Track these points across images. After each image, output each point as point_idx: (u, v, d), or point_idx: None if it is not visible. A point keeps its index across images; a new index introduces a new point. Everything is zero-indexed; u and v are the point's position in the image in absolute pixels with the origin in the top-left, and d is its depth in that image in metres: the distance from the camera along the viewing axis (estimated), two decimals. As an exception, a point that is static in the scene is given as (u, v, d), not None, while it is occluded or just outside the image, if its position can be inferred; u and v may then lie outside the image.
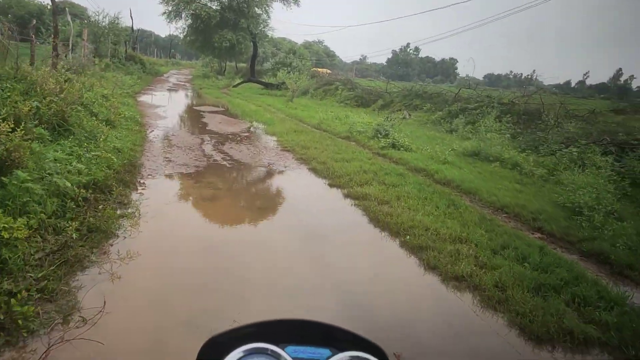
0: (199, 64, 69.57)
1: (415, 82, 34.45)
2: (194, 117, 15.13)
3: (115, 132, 8.61)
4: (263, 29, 41.72)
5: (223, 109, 17.93)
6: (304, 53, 37.43)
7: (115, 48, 29.82)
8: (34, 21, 13.29)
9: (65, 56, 18.51)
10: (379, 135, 12.28)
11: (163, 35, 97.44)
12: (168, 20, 37.21)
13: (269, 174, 8.23)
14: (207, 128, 12.71)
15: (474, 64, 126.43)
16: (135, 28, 71.94)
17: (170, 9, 36.89)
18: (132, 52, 36.62)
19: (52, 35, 14.78)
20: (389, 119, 14.39)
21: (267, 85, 30.87)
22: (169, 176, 7.09)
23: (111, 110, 10.26)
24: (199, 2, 36.73)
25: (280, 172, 8.36)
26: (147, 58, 42.15)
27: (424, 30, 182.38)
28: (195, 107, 17.92)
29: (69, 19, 17.83)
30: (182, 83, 32.40)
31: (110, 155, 6.23)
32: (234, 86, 30.84)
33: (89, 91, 10.51)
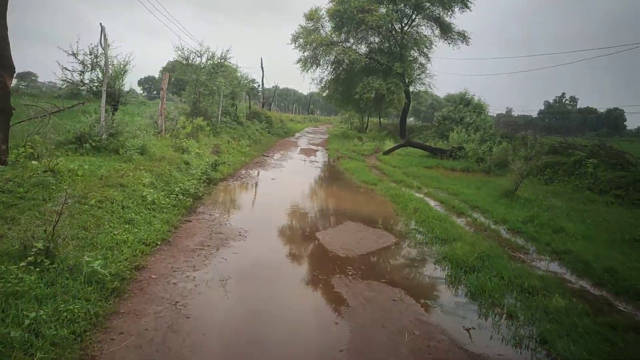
0: (337, 119, 62.61)
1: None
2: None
3: None
4: (419, 76, 31.20)
5: (403, 248, 6.59)
6: (482, 106, 25.25)
7: (232, 103, 21.96)
8: None
9: (109, 117, 9.86)
10: None
11: (305, 93, 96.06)
12: (303, 68, 29.22)
13: None
14: None
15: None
16: (279, 87, 68.95)
17: (305, 54, 28.89)
18: (259, 108, 29.18)
19: None
20: None
21: (434, 151, 19.43)
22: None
23: None
24: (342, 45, 27.92)
25: None
26: (278, 114, 34.87)
27: (580, 79, 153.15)
28: (320, 239, 6.80)
29: (102, 41, 9.10)
30: (314, 147, 23.01)
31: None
32: (385, 153, 20.16)
33: None
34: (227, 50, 17.24)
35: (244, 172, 12.45)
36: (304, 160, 16.88)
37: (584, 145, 15.25)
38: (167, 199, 7.08)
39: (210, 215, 7.17)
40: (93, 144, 8.66)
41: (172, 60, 16.42)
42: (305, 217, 7.96)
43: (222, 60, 17.14)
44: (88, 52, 9.30)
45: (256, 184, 10.82)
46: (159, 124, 13.41)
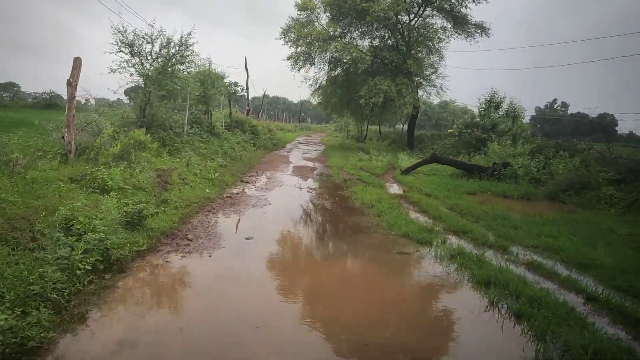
0: (330, 127, 57.56)
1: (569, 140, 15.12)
2: None
3: None
4: (429, 76, 26.25)
5: None
6: (517, 109, 20.16)
7: (205, 109, 16.68)
8: None
9: None
10: None
11: (295, 101, 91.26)
12: (294, 66, 24.03)
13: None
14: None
15: None
16: (269, 95, 63.51)
17: (297, 50, 23.71)
18: (243, 116, 23.88)
19: None
20: None
21: (470, 169, 14.31)
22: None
23: None
24: (341, 40, 22.81)
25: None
26: (266, 123, 29.53)
27: (569, 84, 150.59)
28: None
29: None
30: (310, 164, 17.75)
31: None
32: (405, 172, 14.99)
33: None
34: (189, 34, 11.91)
35: (198, 221, 7.10)
36: (300, 187, 11.58)
37: None
38: None
39: None
40: None
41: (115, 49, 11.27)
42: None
43: (182, 48, 11.78)
44: None
45: (211, 260, 5.45)
46: (66, 140, 8.07)
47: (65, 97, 8.39)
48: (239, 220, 7.56)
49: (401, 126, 42.63)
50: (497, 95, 20.33)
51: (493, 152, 15.23)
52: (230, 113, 20.55)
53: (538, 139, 16.58)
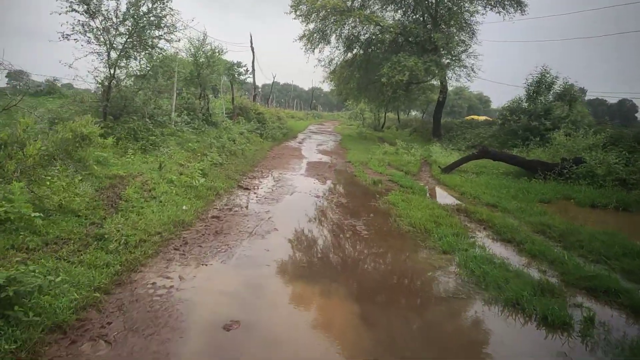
0: (343, 115, 54.01)
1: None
2: None
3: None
4: (458, 55, 22.61)
5: None
6: (573, 91, 16.64)
7: (200, 93, 13.61)
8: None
9: None
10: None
11: (306, 88, 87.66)
12: (307, 47, 20.69)
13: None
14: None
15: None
16: (279, 82, 60.01)
17: (311, 27, 20.34)
18: (249, 102, 20.71)
19: None
20: None
21: (530, 166, 11.03)
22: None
23: None
24: (361, 12, 19.41)
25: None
26: (276, 111, 26.22)
27: (589, 66, 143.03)
28: None
29: None
30: (327, 158, 14.56)
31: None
32: (446, 169, 11.77)
33: None
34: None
35: (146, 279, 4.04)
36: (317, 195, 8.46)
37: None
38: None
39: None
40: None
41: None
42: None
43: (157, 4, 8.60)
44: None
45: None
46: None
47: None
48: (221, 271, 4.47)
49: (422, 114, 39.02)
50: (548, 75, 16.77)
51: (560, 144, 11.85)
52: (233, 98, 17.40)
53: (610, 127, 13.13)
